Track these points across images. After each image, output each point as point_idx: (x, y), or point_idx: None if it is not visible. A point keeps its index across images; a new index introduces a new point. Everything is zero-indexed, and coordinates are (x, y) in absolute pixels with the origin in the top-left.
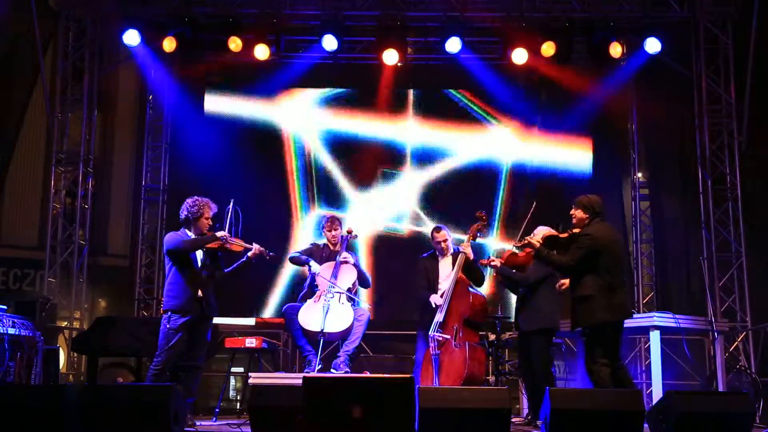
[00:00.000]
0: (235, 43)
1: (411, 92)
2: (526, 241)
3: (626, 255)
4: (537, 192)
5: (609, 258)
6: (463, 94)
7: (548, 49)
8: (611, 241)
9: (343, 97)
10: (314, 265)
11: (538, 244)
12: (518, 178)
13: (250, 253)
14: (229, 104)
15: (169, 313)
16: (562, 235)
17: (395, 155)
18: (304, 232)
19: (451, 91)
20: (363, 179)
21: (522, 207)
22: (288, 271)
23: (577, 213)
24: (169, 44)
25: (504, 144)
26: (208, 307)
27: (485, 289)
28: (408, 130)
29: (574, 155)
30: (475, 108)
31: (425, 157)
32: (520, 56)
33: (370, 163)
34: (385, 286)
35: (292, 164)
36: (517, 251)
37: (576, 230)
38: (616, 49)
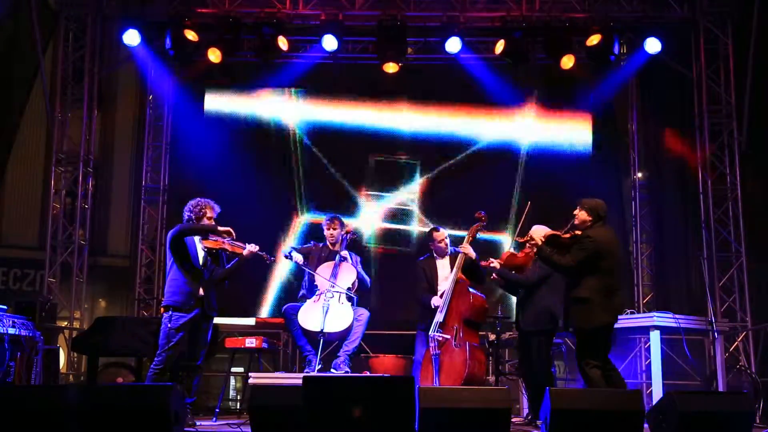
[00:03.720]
0: (214, 54)
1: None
2: (528, 237)
3: (625, 256)
4: (537, 192)
5: (610, 261)
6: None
7: (567, 61)
8: (613, 245)
9: (344, 96)
10: (295, 255)
11: (540, 242)
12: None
13: (245, 252)
14: (229, 104)
15: (171, 311)
16: (564, 236)
17: (404, 149)
18: (304, 231)
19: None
20: (369, 178)
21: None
22: (288, 271)
23: (581, 214)
24: (192, 36)
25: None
26: (208, 307)
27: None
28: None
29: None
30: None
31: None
32: (498, 47)
33: (379, 163)
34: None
35: (294, 164)
36: (515, 252)
37: (577, 232)
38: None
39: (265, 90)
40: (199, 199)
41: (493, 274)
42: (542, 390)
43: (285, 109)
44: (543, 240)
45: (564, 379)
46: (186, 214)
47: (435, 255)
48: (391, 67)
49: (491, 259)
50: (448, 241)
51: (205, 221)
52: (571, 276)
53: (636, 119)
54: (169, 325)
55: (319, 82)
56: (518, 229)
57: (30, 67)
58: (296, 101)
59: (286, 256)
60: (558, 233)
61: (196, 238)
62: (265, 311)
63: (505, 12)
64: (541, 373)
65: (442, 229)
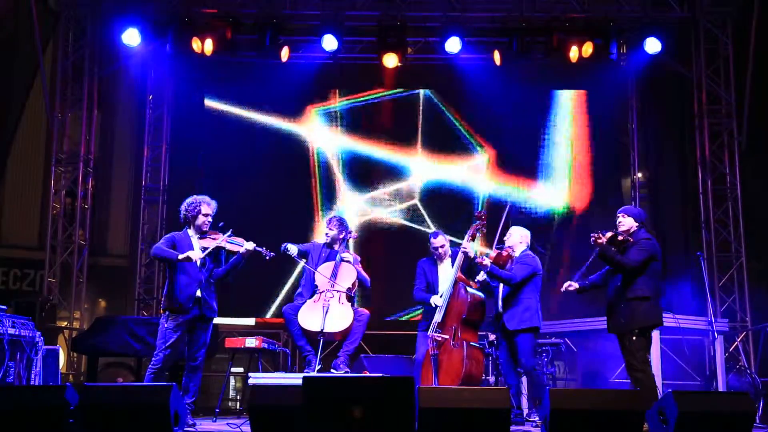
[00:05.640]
0: (204, 46)
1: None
2: (598, 235)
3: None
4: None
5: (658, 264)
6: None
7: (575, 54)
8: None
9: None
10: (291, 248)
11: (605, 242)
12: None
13: (242, 249)
14: (229, 104)
15: (167, 312)
16: (620, 238)
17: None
18: (305, 230)
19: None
20: (367, 182)
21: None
22: (290, 271)
23: (628, 221)
24: (197, 45)
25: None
26: (206, 308)
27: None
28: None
29: None
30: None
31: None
32: (496, 57)
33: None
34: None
35: (295, 164)
36: (500, 250)
37: (629, 238)
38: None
39: (264, 89)
40: (194, 197)
41: (482, 274)
42: (530, 386)
43: (284, 108)
44: (606, 239)
45: (564, 379)
46: (182, 212)
47: (436, 259)
48: (390, 61)
49: (483, 257)
50: (446, 247)
51: (201, 219)
52: (627, 275)
53: (636, 119)
54: (165, 326)
55: (318, 81)
56: (498, 233)
57: (30, 67)
58: (295, 101)
59: (283, 251)
60: (616, 234)
61: (194, 238)
62: (271, 312)
63: (505, 12)
64: (531, 370)
65: (440, 235)
